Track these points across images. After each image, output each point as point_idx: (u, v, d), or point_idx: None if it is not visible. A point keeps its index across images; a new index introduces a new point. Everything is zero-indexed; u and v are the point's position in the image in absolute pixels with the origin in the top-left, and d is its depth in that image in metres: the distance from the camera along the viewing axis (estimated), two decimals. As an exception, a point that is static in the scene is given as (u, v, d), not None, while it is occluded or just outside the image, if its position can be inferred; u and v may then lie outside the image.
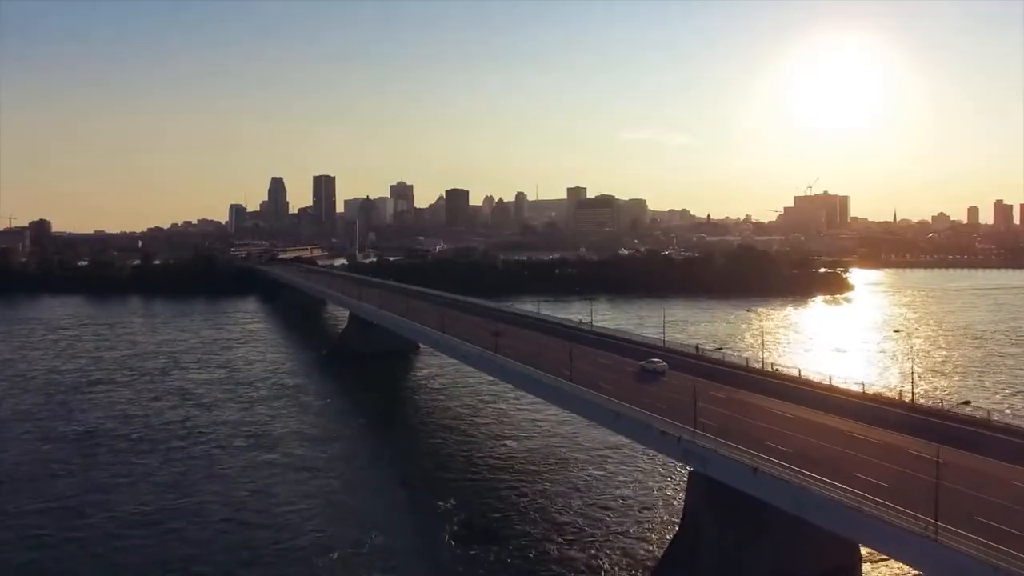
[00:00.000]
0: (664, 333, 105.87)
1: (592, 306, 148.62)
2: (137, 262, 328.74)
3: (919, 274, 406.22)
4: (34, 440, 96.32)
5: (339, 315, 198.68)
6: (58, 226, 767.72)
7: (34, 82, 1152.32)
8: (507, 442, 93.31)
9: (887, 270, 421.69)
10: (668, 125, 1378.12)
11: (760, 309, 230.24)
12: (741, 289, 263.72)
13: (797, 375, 76.03)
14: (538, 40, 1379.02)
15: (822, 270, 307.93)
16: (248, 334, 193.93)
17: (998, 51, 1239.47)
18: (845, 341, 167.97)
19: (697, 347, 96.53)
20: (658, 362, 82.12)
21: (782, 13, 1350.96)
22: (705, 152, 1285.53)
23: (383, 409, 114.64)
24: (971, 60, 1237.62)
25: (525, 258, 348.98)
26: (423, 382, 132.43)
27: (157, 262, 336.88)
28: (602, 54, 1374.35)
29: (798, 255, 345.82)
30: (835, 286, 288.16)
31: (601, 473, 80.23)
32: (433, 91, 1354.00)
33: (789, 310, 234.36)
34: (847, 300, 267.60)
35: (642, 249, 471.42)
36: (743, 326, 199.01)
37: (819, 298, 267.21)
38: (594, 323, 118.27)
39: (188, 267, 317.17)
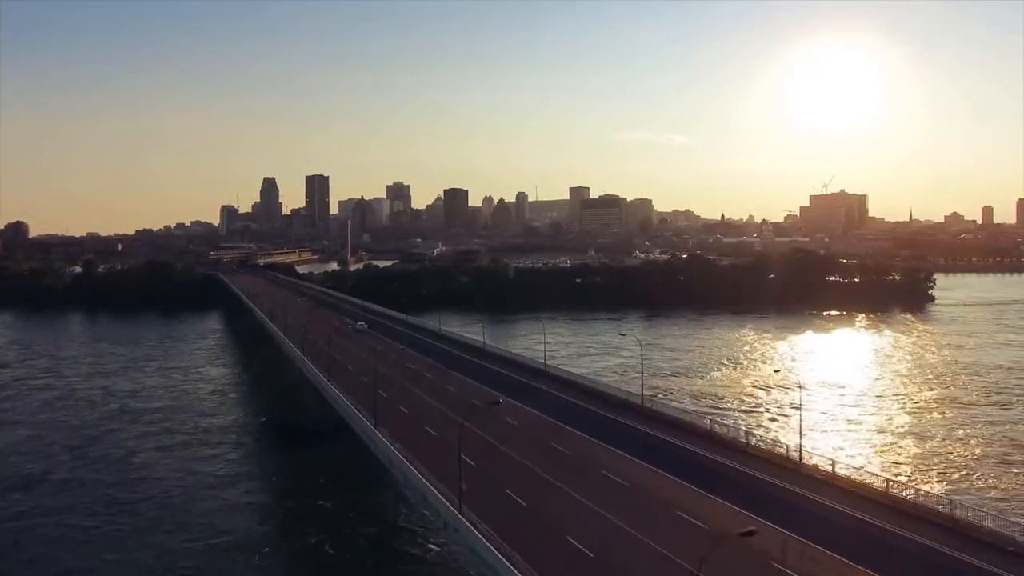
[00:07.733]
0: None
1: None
2: (78, 270, 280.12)
3: (972, 279, 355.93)
4: None
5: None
6: (53, 228, 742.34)
7: (30, 82, 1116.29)
8: None
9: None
10: (667, 125, 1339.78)
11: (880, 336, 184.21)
12: (801, 302, 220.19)
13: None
14: (537, 40, 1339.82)
15: (896, 277, 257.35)
16: (173, 379, 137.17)
17: (998, 50, 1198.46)
18: None
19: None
20: None
21: (781, 13, 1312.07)
22: (704, 152, 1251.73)
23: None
24: (971, 60, 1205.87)
25: (537, 264, 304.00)
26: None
27: (101, 268, 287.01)
28: (601, 54, 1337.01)
29: (865, 259, 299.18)
30: (913, 299, 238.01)
31: None
32: (431, 91, 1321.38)
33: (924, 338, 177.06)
34: (952, 320, 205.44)
35: (657, 252, 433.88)
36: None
37: (903, 317, 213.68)
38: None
39: (138, 277, 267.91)
